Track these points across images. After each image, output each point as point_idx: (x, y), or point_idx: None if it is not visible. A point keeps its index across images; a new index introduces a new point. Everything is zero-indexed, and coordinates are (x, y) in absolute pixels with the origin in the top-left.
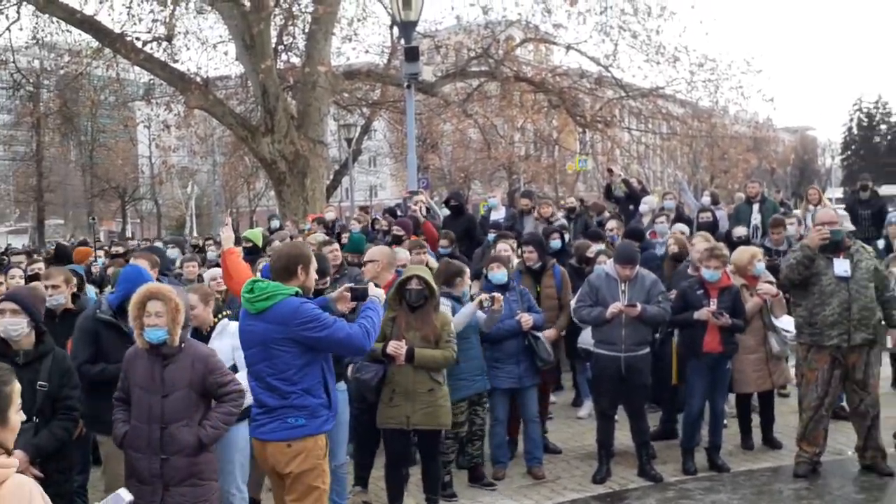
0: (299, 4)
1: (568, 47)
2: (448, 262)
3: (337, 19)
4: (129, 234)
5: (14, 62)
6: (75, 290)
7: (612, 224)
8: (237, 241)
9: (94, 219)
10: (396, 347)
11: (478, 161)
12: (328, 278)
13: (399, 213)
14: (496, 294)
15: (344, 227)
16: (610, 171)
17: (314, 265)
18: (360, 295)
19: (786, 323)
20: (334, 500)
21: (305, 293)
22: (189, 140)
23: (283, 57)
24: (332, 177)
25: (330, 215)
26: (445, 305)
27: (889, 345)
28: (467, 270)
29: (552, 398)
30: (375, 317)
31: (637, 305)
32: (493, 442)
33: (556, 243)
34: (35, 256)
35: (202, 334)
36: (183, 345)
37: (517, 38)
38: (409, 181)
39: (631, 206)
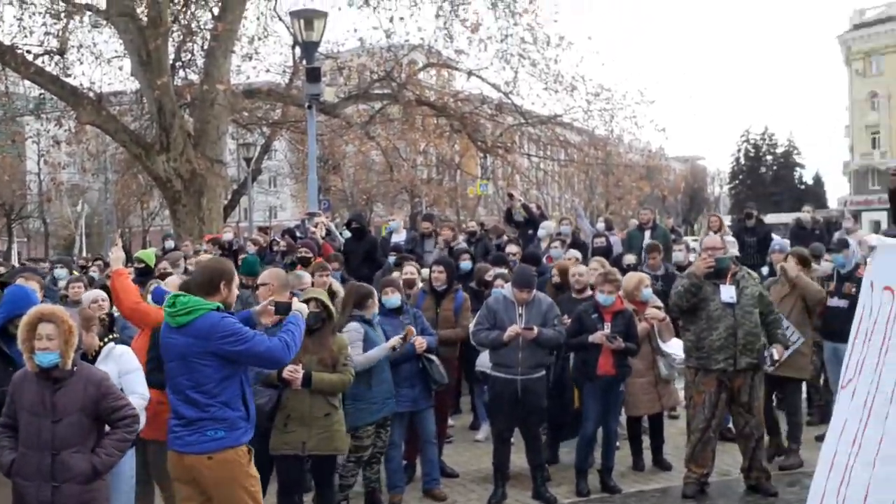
0: (198, 21)
1: (469, 73)
2: (358, 284)
3: (237, 37)
4: (14, 253)
5: None
6: None
7: (511, 248)
8: (129, 262)
9: None
10: (293, 371)
11: (380, 183)
12: None
13: (298, 234)
14: (409, 327)
15: (241, 248)
16: (511, 195)
17: (237, 281)
18: (282, 309)
19: (674, 347)
20: None
21: (227, 308)
22: (80, 157)
23: (181, 74)
24: (229, 196)
25: (227, 236)
26: (358, 332)
27: (776, 356)
28: (376, 293)
29: (450, 421)
30: (297, 331)
31: (534, 328)
32: (390, 467)
33: (465, 265)
34: None
35: (87, 359)
36: (75, 368)
37: (420, 62)
38: (309, 202)
39: (530, 231)
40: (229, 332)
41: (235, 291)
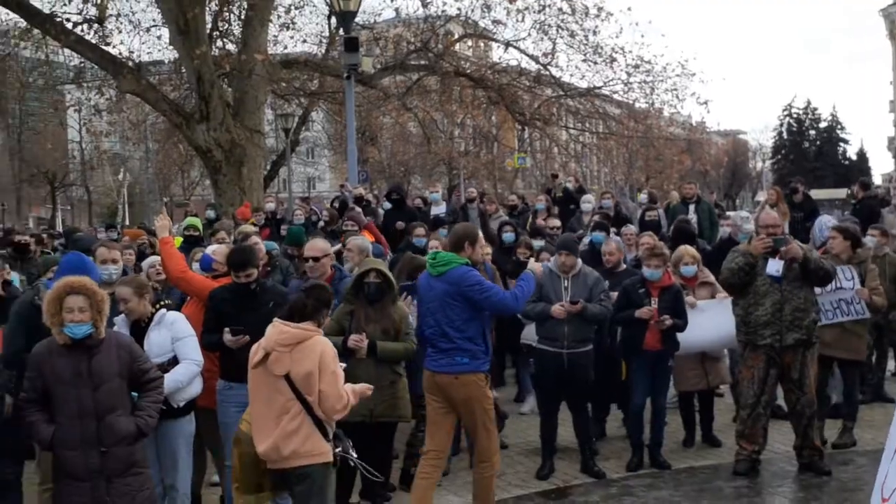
0: None
1: (507, 44)
2: (412, 256)
3: (274, 7)
4: (59, 221)
5: None
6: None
7: (553, 222)
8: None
9: (4, 205)
10: (358, 341)
11: (417, 155)
12: (254, 270)
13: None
14: None
15: (283, 218)
16: (555, 176)
17: (481, 242)
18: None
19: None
20: None
21: (474, 264)
22: (121, 125)
23: (219, 43)
24: (269, 167)
25: (269, 206)
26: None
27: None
28: None
29: (494, 394)
30: (526, 286)
31: (580, 303)
32: None
33: (508, 236)
34: None
35: (140, 326)
36: (103, 334)
37: (456, 33)
38: (349, 173)
39: (571, 206)
40: (475, 282)
41: (479, 250)
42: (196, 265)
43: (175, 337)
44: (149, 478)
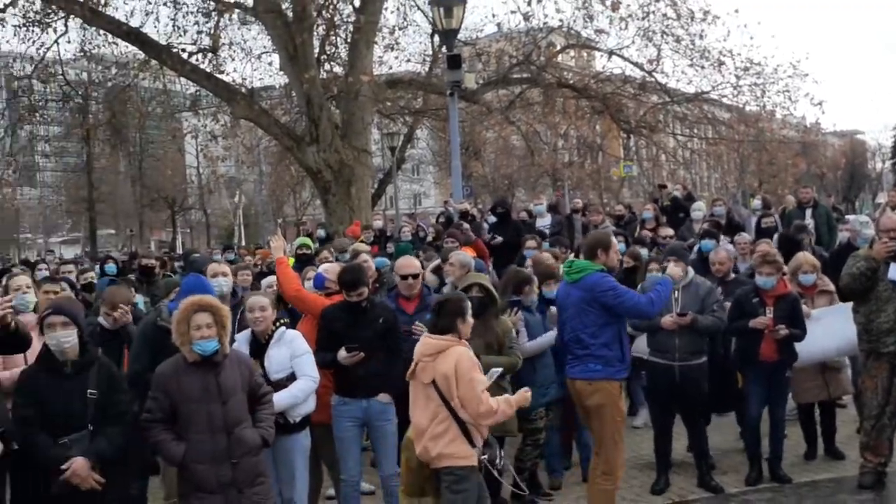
0: (341, 14)
1: (610, 53)
2: (517, 269)
3: (378, 28)
4: (179, 243)
5: (63, 75)
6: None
7: (665, 231)
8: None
9: (132, 231)
10: None
11: (521, 168)
12: (365, 288)
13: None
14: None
15: (392, 235)
16: (663, 186)
17: (614, 247)
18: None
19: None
20: None
21: (610, 270)
22: (236, 150)
23: (326, 67)
24: (376, 185)
25: (378, 223)
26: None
27: None
28: (535, 279)
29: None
30: (664, 291)
31: (688, 315)
32: (548, 451)
33: (620, 246)
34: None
35: (261, 342)
36: (227, 350)
37: (558, 44)
38: (453, 189)
39: (681, 215)
40: (608, 288)
41: (614, 256)
42: (309, 283)
43: (294, 354)
44: (271, 487)
